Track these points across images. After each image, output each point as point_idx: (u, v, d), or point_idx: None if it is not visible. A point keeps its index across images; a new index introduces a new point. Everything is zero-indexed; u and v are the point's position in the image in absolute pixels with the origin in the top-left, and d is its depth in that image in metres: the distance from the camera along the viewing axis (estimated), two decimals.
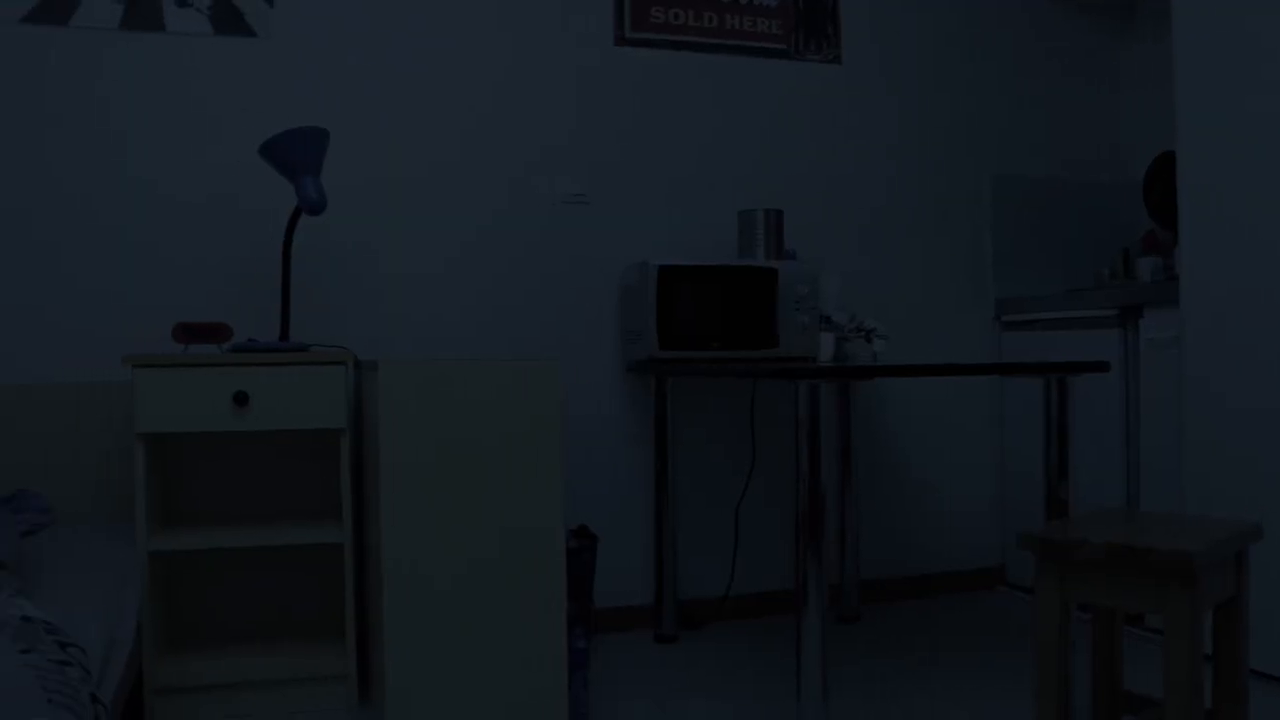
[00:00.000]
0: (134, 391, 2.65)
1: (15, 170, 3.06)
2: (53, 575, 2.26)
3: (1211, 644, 2.26)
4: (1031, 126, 4.16)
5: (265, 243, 3.23)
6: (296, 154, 2.84)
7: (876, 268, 3.91)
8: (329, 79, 3.31)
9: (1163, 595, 1.82)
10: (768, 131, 3.77)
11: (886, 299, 3.91)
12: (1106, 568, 1.90)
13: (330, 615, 3.18)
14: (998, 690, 2.88)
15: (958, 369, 2.54)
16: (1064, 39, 4.22)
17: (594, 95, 3.57)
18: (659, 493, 3.42)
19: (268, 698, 2.79)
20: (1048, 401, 2.72)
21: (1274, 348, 2.86)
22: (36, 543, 2.60)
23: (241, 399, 2.67)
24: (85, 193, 3.11)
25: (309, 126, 2.83)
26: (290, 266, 2.96)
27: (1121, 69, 4.33)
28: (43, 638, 1.64)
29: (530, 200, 3.49)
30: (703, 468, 3.68)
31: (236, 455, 3.12)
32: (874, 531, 3.91)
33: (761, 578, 3.76)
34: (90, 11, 3.10)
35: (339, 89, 3.32)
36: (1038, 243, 4.14)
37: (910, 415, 3.97)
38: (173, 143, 3.17)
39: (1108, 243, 4.25)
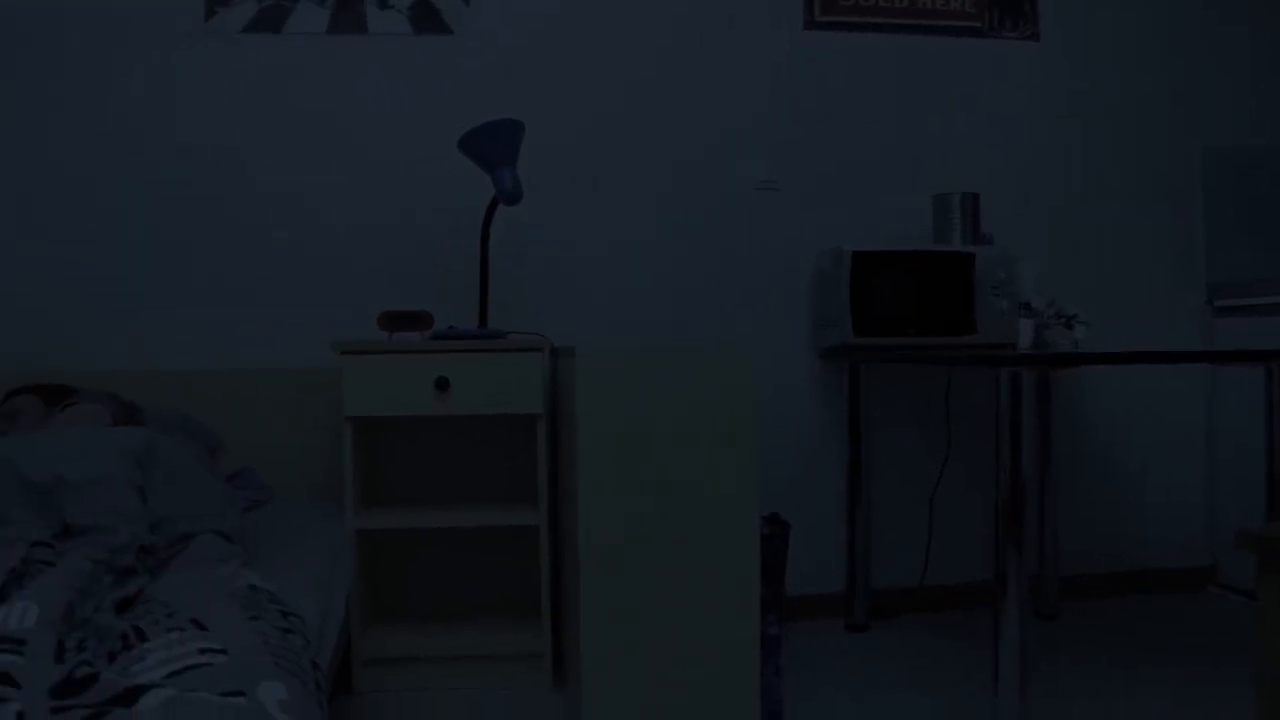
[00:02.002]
0: (343, 377, 2.78)
1: (238, 169, 3.25)
2: (270, 549, 2.39)
3: None
4: (1246, 95, 3.91)
5: (464, 233, 3.33)
6: (493, 146, 2.91)
7: (1078, 251, 3.75)
8: (521, 70, 3.38)
9: None
10: (962, 112, 3.67)
11: (1088, 283, 3.76)
12: None
13: (521, 595, 3.27)
14: (1211, 698, 2.74)
15: (1169, 356, 2.42)
16: None
17: (784, 80, 3.54)
18: (852, 480, 3.38)
19: (466, 673, 2.88)
20: (1269, 391, 2.57)
21: None
22: (256, 518, 2.75)
23: (442, 384, 2.76)
24: (299, 189, 3.28)
25: (505, 119, 2.90)
26: (488, 255, 3.04)
27: None
28: (267, 606, 1.74)
29: (721, 187, 3.50)
30: (896, 455, 3.62)
31: (430, 439, 3.23)
32: (1074, 525, 3.77)
33: (956, 568, 3.67)
34: (301, 19, 3.25)
35: (531, 80, 3.39)
36: (1255, 220, 3.89)
37: (1113, 404, 3.80)
38: (375, 137, 3.31)
39: None
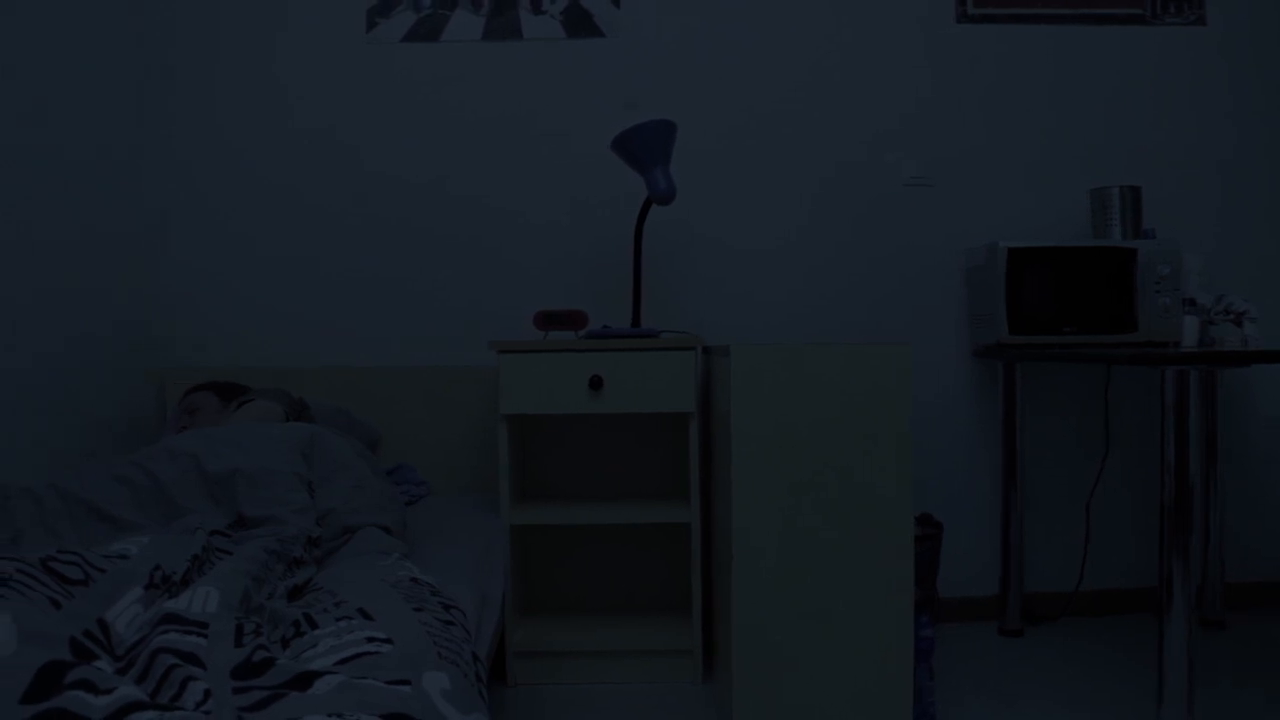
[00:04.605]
0: (499, 375, 2.84)
1: (397, 172, 3.36)
2: (427, 542, 2.47)
3: None
4: None
5: (618, 232, 3.38)
6: (646, 146, 2.93)
7: (1246, 245, 3.58)
8: (673, 71, 3.41)
9: None
10: (1121, 103, 3.54)
11: (1258, 278, 3.58)
12: None
13: (670, 591, 3.30)
14: None
15: None
16: None
17: (936, 74, 3.48)
18: (1006, 481, 3.31)
19: (616, 667, 2.92)
20: None
21: None
22: (414, 512, 2.85)
23: (596, 383, 2.80)
24: (454, 192, 3.37)
25: (657, 119, 2.93)
26: (641, 254, 3.07)
27: None
28: (429, 598, 1.80)
29: (871, 183, 3.46)
30: (1052, 456, 3.53)
31: (581, 435, 3.28)
32: (1242, 529, 3.60)
33: (1115, 573, 3.55)
34: (457, 27, 3.34)
35: (682, 80, 3.41)
36: None
37: None
38: (530, 141, 3.38)
39: None
